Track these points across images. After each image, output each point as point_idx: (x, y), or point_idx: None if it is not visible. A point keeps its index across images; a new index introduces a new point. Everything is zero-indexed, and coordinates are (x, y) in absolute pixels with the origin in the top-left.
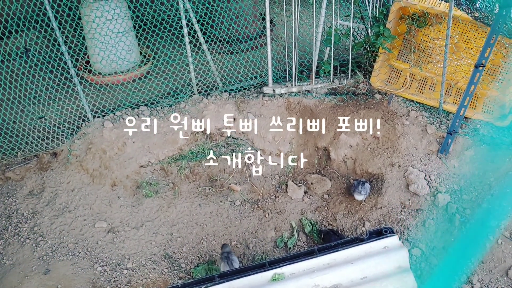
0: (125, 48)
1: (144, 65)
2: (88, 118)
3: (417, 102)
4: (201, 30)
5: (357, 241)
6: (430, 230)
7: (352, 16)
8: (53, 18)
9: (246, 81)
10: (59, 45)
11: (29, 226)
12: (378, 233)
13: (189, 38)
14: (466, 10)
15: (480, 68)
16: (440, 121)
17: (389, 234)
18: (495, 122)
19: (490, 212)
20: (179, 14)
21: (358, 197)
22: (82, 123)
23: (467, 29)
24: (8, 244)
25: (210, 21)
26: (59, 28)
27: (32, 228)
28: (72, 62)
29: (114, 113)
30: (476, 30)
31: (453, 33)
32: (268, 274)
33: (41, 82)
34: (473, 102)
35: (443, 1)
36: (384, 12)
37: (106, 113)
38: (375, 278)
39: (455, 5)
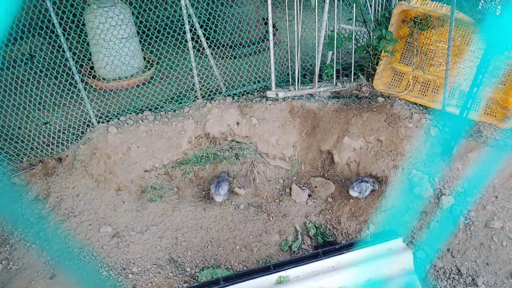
0: (129, 54)
1: (148, 70)
2: (92, 123)
3: (420, 104)
4: (204, 35)
5: (361, 243)
6: (435, 232)
7: (354, 19)
8: (57, 25)
9: (249, 85)
10: (63, 51)
11: (34, 231)
12: (383, 236)
13: (192, 43)
14: (468, 12)
15: (483, 70)
16: (444, 123)
17: (394, 237)
18: (498, 124)
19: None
20: (182, 19)
21: (352, 193)
22: (86, 128)
23: (469, 31)
24: (14, 249)
25: (213, 26)
26: (64, 35)
27: (38, 233)
28: (76, 68)
29: (119, 118)
30: (479, 32)
31: (455, 35)
32: (273, 277)
33: (46, 88)
34: (476, 104)
35: (445, 4)
36: (386, 15)
37: (110, 118)
38: (379, 280)
39: (457, 8)
